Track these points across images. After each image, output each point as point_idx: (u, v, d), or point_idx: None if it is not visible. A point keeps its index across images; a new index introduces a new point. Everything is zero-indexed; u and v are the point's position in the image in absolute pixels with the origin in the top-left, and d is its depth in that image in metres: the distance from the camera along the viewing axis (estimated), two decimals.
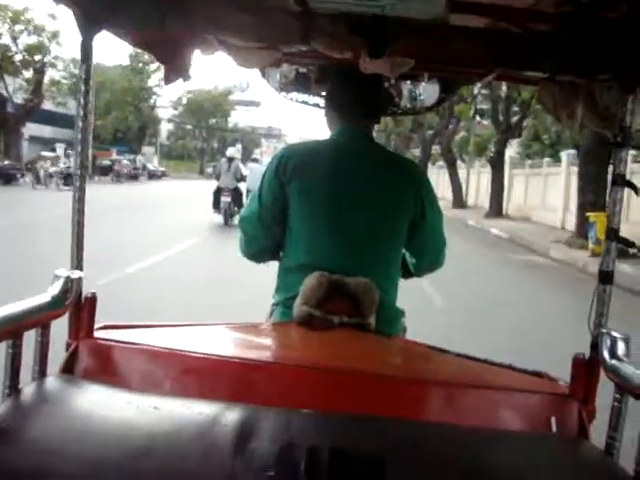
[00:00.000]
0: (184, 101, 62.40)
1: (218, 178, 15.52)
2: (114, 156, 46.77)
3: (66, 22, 61.29)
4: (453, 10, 1.35)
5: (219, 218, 14.53)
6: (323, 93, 2.01)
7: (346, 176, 1.72)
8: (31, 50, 33.43)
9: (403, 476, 0.96)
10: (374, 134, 1.95)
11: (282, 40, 1.37)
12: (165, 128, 66.90)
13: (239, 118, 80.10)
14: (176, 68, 1.39)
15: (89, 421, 1.05)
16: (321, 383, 1.27)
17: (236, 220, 15.13)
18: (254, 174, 14.40)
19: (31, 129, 42.57)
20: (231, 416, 1.04)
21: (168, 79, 1.42)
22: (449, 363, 1.57)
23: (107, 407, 1.10)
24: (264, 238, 1.83)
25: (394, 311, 1.75)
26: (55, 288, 1.30)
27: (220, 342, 1.50)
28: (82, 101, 1.38)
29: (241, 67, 1.44)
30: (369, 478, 0.95)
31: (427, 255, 1.91)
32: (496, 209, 22.68)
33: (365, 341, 1.56)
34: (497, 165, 23.24)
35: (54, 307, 1.28)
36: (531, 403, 1.36)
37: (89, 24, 1.34)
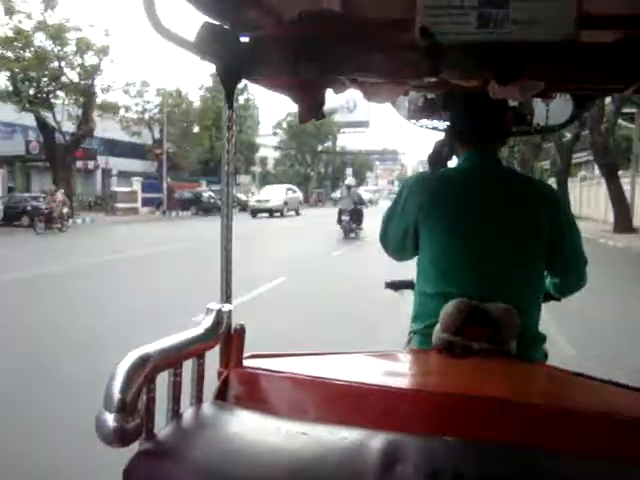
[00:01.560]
0: (284, 125, 62.50)
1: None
2: (203, 187, 46.39)
3: (120, 38, 58.02)
4: (583, 27, 1.46)
5: (340, 233, 21.32)
6: None
7: (478, 203, 1.88)
8: (86, 72, 31.52)
9: None
10: None
11: (410, 74, 1.57)
12: (272, 156, 67.37)
13: (348, 140, 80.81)
14: (310, 108, 1.63)
15: (242, 444, 1.23)
16: (463, 410, 1.36)
17: (352, 235, 21.40)
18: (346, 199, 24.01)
19: (120, 164, 43.91)
20: (376, 443, 1.17)
21: (302, 119, 1.66)
22: (596, 391, 1.60)
23: (258, 432, 1.28)
24: (401, 255, 2.09)
25: (536, 336, 1.88)
26: (208, 321, 1.52)
27: (362, 370, 1.65)
28: (227, 145, 1.63)
29: (372, 102, 1.66)
30: None
31: (570, 276, 2.03)
32: None
33: (506, 367, 1.66)
34: None
35: (208, 339, 1.50)
36: None
37: (230, 76, 1.59)
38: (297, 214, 41.15)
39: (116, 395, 1.16)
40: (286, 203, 40.26)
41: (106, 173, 44.83)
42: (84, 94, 32.06)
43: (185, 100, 46.50)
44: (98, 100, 33.92)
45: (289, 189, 42.69)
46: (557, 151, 31.27)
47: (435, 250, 1.91)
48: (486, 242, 1.85)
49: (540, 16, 1.46)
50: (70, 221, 27.23)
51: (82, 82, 31.60)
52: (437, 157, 2.10)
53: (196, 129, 48.29)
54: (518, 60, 1.48)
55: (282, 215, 38.80)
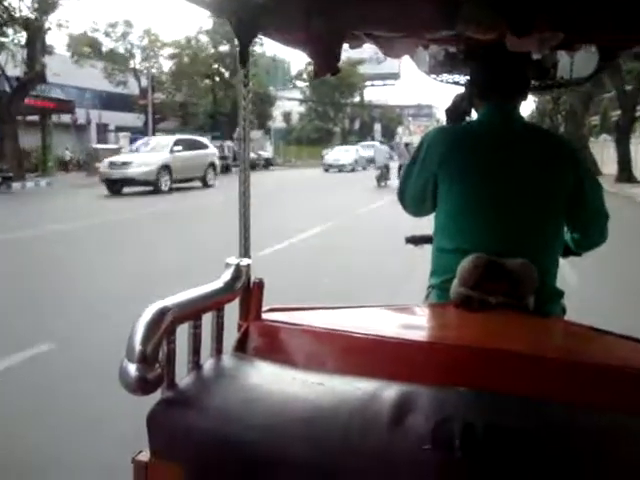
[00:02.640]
0: (304, 76, 59.09)
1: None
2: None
3: None
4: None
5: None
6: None
7: (497, 158, 1.97)
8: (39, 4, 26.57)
9: (558, 456, 1.15)
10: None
11: (426, 28, 1.66)
12: (297, 110, 65.19)
13: (377, 94, 78.78)
14: (325, 63, 1.72)
15: (260, 394, 1.36)
16: (478, 362, 1.46)
17: None
18: (379, 152, 26.81)
19: (117, 119, 41.28)
20: (389, 393, 1.28)
21: (318, 74, 1.77)
22: (612, 345, 1.69)
23: (275, 382, 1.41)
24: (419, 211, 2.21)
25: (553, 291, 1.99)
26: (227, 275, 1.65)
27: (379, 323, 1.77)
28: (243, 103, 1.75)
29: (389, 56, 1.77)
30: (524, 455, 1.14)
31: (591, 231, 2.14)
32: None
33: (523, 321, 1.76)
34: None
35: (227, 292, 1.63)
36: None
37: (245, 32, 1.69)
38: (205, 186, 26.25)
39: (137, 346, 1.29)
40: (167, 168, 23.85)
41: (101, 128, 41.47)
42: (27, 28, 27.04)
43: (177, 43, 42.91)
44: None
45: (180, 142, 25.98)
46: (618, 101, 29.06)
47: (453, 205, 2.01)
48: (504, 197, 1.95)
49: None
50: (15, 185, 24.02)
51: (25, 16, 26.75)
52: (456, 111, 2.19)
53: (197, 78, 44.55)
54: (533, 9, 1.54)
55: (157, 190, 23.10)
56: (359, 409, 1.26)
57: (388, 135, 79.42)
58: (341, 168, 43.16)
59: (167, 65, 42.02)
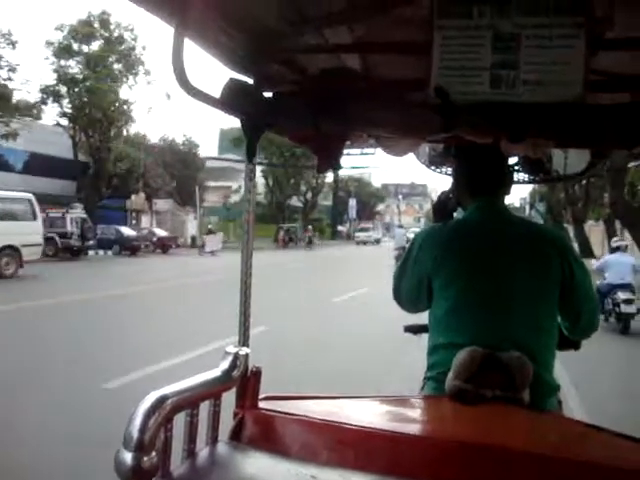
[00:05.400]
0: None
1: None
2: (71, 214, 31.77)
3: None
4: (591, 89, 1.81)
5: None
6: None
7: (488, 254, 2.26)
8: None
9: None
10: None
11: (425, 131, 1.93)
12: (262, 182, 59.67)
13: (358, 170, 78.85)
14: (328, 159, 2.00)
15: None
16: (471, 458, 1.63)
17: None
18: (398, 235, 31.74)
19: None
20: None
21: (320, 169, 2.05)
22: (606, 443, 1.84)
23: (269, 473, 1.58)
24: (415, 308, 2.49)
25: (549, 385, 2.21)
26: (225, 364, 1.85)
27: (373, 414, 1.95)
28: (248, 196, 2.02)
29: (390, 155, 2.12)
30: None
31: (582, 318, 2.39)
32: None
33: (518, 416, 1.96)
34: None
35: (225, 381, 1.83)
36: None
37: (254, 129, 1.95)
38: None
39: (135, 434, 1.45)
40: None
41: None
42: None
43: None
44: None
45: None
46: None
47: (448, 302, 2.28)
48: (498, 292, 2.22)
49: (550, 78, 1.81)
50: None
51: None
52: (443, 208, 2.49)
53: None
54: (529, 120, 1.83)
55: None
56: None
57: (367, 213, 79.18)
58: None
59: None
